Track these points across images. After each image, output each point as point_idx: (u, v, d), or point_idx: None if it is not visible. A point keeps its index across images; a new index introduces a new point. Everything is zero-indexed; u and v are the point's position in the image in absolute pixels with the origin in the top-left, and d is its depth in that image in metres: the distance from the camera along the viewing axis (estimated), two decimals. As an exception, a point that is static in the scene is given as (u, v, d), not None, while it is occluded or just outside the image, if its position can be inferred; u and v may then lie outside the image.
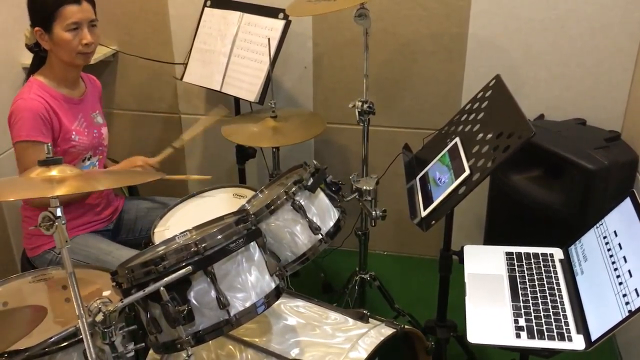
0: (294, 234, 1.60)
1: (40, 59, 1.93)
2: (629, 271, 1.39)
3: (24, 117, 1.79)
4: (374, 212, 1.99)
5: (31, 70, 1.95)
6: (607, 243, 1.53)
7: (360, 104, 2.04)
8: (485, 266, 1.71)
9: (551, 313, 1.51)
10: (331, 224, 1.66)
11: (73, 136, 1.91)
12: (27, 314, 1.24)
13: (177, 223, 1.93)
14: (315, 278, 2.61)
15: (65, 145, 1.89)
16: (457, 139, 1.84)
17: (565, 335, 1.44)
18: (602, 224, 1.59)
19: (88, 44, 1.86)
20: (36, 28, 1.83)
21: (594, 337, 1.41)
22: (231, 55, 2.38)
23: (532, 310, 1.52)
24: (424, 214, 1.71)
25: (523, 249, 1.76)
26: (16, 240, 2.48)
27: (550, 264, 1.69)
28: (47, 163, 1.17)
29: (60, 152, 1.87)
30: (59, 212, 1.10)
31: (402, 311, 2.29)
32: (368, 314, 1.59)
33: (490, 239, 2.47)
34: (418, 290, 2.63)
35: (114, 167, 2.15)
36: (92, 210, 2.05)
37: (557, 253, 1.73)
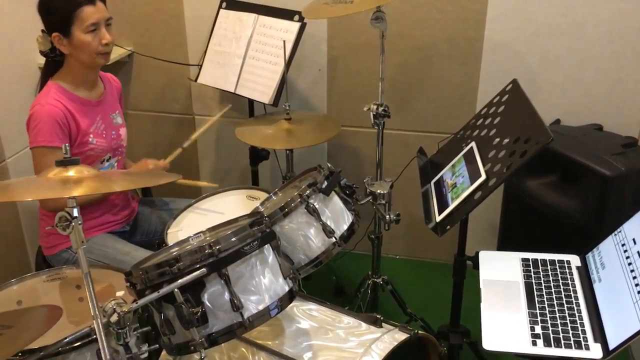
0: (308, 237, 1.59)
1: (55, 63, 1.92)
2: (648, 280, 1.37)
3: (42, 123, 1.79)
4: (387, 216, 1.97)
5: (45, 74, 1.93)
6: (625, 251, 1.51)
7: (375, 107, 2.03)
8: (500, 272, 1.69)
9: (568, 321, 1.49)
10: (345, 227, 1.66)
11: (91, 139, 1.91)
12: (43, 314, 1.24)
13: (191, 224, 1.93)
14: (327, 281, 2.60)
15: (83, 148, 1.90)
16: (472, 144, 1.83)
17: (582, 343, 1.42)
18: (620, 232, 1.57)
19: (108, 44, 1.86)
20: (54, 34, 1.82)
21: (611, 346, 1.39)
22: (246, 57, 2.38)
23: (548, 318, 1.51)
24: (438, 218, 1.70)
25: (539, 256, 1.74)
26: (30, 239, 2.50)
27: (567, 271, 1.67)
28: (64, 163, 1.17)
29: (77, 154, 1.87)
30: (75, 213, 1.10)
31: (415, 316, 2.27)
32: (382, 318, 1.58)
33: (504, 245, 2.45)
34: (431, 295, 2.61)
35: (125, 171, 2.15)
36: (110, 211, 2.05)
37: (574, 260, 1.71)
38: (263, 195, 2.01)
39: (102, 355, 1.14)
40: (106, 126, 1.99)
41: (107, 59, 1.92)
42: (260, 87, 2.32)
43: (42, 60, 2.47)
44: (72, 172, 1.16)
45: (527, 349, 1.44)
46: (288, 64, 2.20)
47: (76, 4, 1.79)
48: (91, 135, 1.92)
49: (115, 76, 2.18)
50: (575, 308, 1.53)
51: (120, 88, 2.17)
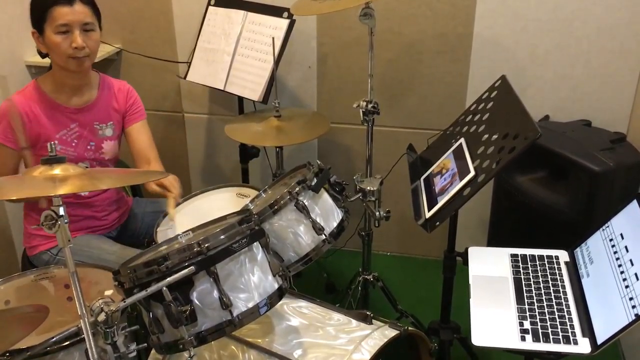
0: (297, 234, 1.59)
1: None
2: (636, 274, 1.38)
3: None
4: (377, 213, 1.98)
5: None
6: (613, 246, 1.51)
7: (364, 104, 2.03)
8: (490, 268, 1.70)
9: (556, 316, 1.49)
10: (335, 224, 1.66)
11: (52, 145, 1.85)
12: (29, 313, 1.23)
13: (180, 222, 1.92)
14: (318, 278, 2.60)
15: (43, 152, 1.81)
16: (462, 140, 1.83)
17: (571, 338, 1.43)
18: (608, 227, 1.58)
19: (78, 48, 1.75)
20: (32, 30, 1.78)
21: (599, 341, 1.39)
22: (235, 54, 2.38)
23: (537, 313, 1.51)
24: (428, 215, 1.70)
25: (528, 251, 1.74)
26: (18, 238, 2.48)
27: (556, 266, 1.68)
28: (49, 162, 1.16)
29: (38, 158, 1.81)
30: (61, 211, 1.09)
31: (405, 312, 2.28)
32: (371, 315, 1.58)
33: (494, 241, 2.45)
34: (421, 291, 2.61)
35: None
36: (93, 217, 2.00)
37: (563, 255, 1.72)
38: (253, 193, 2.00)
39: (90, 355, 1.13)
40: (80, 135, 1.91)
41: (81, 66, 1.81)
42: (250, 84, 2.32)
43: (29, 58, 2.47)
44: (57, 170, 1.15)
45: (516, 344, 1.44)
46: (277, 61, 2.20)
47: (50, 2, 1.73)
48: (56, 141, 1.84)
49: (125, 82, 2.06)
50: (564, 303, 1.54)
51: (128, 98, 2.03)
